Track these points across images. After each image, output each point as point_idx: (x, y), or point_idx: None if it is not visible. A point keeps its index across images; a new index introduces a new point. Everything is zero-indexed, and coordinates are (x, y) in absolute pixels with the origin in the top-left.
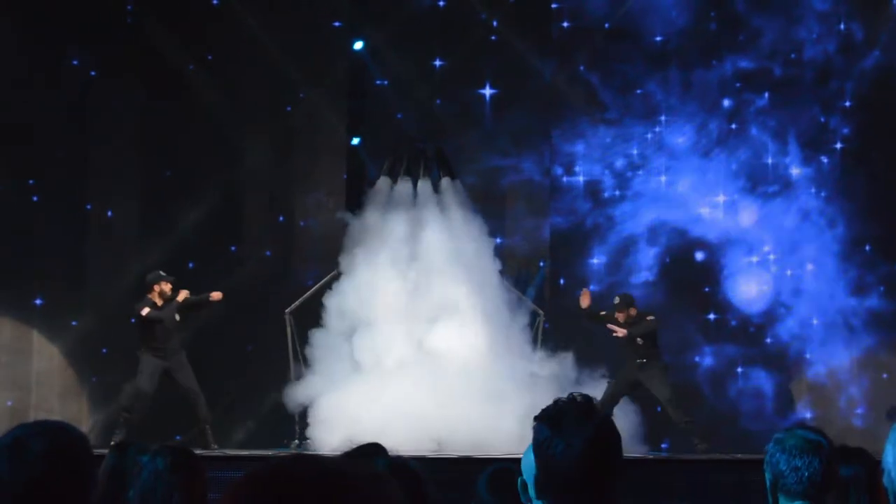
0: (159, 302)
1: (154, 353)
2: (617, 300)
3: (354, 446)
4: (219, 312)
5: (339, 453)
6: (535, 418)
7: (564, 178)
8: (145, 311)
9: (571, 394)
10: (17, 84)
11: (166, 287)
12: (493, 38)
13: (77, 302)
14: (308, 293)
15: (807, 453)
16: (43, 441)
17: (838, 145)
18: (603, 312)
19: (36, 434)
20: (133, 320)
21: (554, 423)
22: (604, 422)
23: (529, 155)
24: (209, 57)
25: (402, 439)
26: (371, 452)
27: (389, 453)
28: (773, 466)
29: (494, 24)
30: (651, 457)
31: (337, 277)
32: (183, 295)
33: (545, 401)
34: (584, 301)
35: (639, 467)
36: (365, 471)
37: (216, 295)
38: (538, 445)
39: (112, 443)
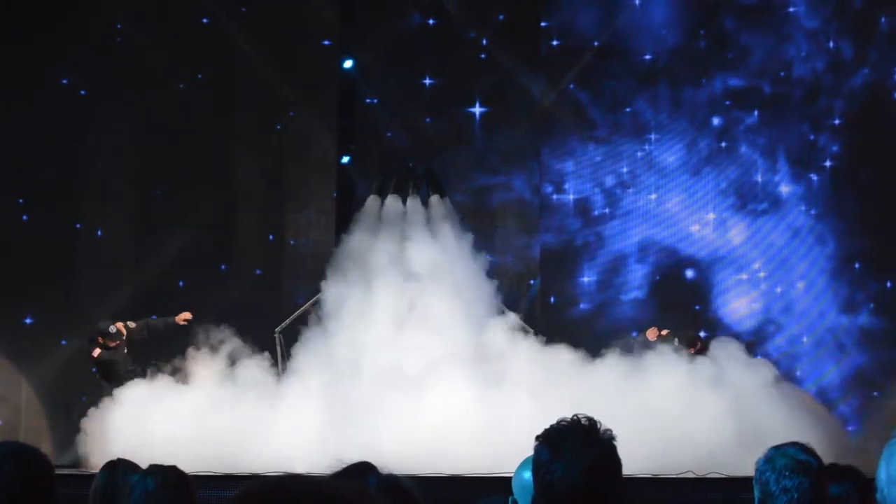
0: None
1: (112, 383)
2: (676, 341)
3: (344, 465)
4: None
5: (328, 472)
6: (537, 438)
7: (554, 197)
8: (96, 352)
9: (576, 415)
10: (6, 103)
11: (109, 342)
12: (482, 56)
13: (67, 321)
14: (298, 312)
15: (797, 474)
16: (13, 462)
17: (828, 163)
18: (665, 332)
19: (4, 455)
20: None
21: (555, 445)
22: (605, 448)
23: (519, 173)
24: (199, 76)
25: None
26: (362, 471)
27: (381, 472)
28: (763, 485)
29: (484, 42)
30: (637, 475)
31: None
32: (126, 328)
33: (532, 418)
34: (652, 335)
35: (626, 485)
36: (357, 490)
37: (183, 316)
38: (537, 466)
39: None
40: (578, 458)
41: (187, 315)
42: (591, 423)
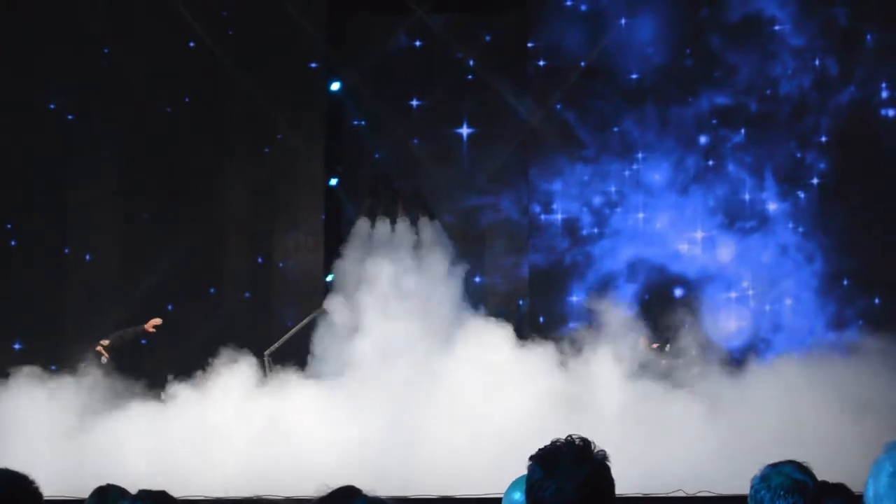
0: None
1: None
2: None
3: (329, 489)
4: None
5: (314, 498)
6: (530, 458)
7: (542, 216)
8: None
9: (570, 436)
10: None
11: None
12: (469, 77)
13: (56, 346)
14: (287, 335)
15: (791, 494)
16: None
17: (815, 180)
18: (655, 345)
19: None
20: None
21: (547, 464)
22: (598, 467)
23: (507, 193)
24: (186, 99)
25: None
26: (347, 496)
27: (366, 495)
28: (758, 503)
29: (471, 63)
30: (627, 494)
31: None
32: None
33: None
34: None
35: None
36: None
37: (152, 323)
38: (530, 485)
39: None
40: (571, 476)
41: (156, 321)
42: (585, 442)
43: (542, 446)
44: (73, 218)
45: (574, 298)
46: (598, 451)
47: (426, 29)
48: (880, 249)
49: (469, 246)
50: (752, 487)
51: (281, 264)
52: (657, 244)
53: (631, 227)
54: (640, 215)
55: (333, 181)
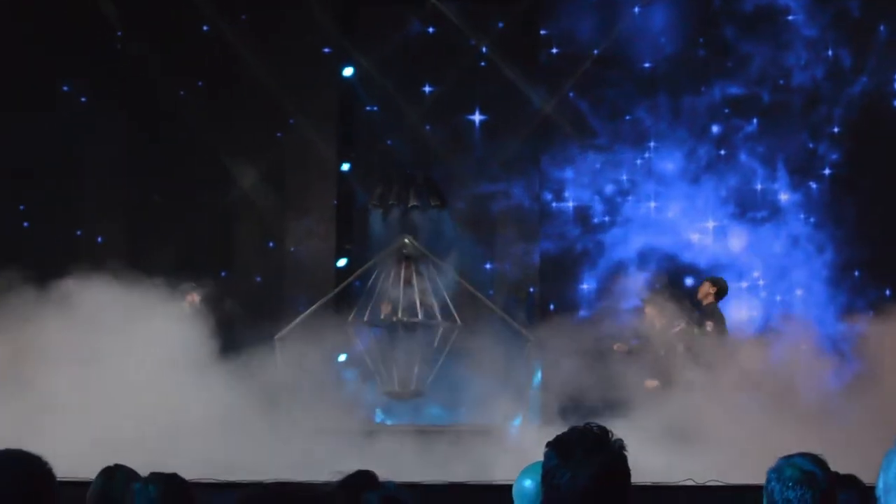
0: None
1: None
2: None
3: (343, 475)
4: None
5: (331, 482)
6: (547, 444)
7: (554, 204)
8: None
9: (588, 423)
10: (6, 109)
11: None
12: (482, 64)
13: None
14: (298, 319)
15: (800, 485)
16: (15, 470)
17: (827, 171)
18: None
19: (5, 463)
20: None
21: (563, 451)
22: (614, 455)
23: (519, 181)
24: (199, 83)
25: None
26: (365, 481)
27: (382, 484)
28: (769, 495)
29: (484, 50)
30: (636, 483)
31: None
32: None
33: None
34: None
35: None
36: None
37: None
38: (545, 472)
39: None
40: (586, 464)
41: None
42: (602, 430)
43: (559, 433)
44: (84, 200)
45: (585, 286)
46: (615, 440)
47: (439, 15)
48: (892, 241)
49: (480, 233)
50: (767, 479)
51: (292, 249)
52: (668, 233)
53: (642, 216)
54: (652, 204)
55: (345, 166)
